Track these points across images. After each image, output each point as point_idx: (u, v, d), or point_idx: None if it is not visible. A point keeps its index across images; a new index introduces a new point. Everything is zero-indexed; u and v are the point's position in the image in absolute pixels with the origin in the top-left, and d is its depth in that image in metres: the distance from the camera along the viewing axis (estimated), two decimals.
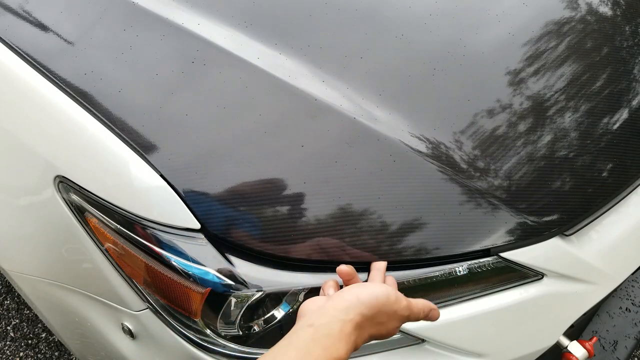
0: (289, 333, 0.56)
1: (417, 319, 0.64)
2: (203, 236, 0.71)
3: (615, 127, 0.93)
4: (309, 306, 0.60)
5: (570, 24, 1.03)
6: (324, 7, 0.96)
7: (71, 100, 0.79)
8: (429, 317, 0.65)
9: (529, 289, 0.79)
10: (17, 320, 1.53)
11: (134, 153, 0.74)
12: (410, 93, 0.88)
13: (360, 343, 0.58)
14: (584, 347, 0.84)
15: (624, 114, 0.95)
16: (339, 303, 0.58)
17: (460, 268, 0.76)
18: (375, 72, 0.89)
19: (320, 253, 0.72)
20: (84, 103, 0.79)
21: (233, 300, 0.71)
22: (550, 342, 0.82)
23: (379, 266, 0.71)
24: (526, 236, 0.79)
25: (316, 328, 0.54)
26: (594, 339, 0.87)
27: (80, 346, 0.97)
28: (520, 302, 0.79)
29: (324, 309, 0.57)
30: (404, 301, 0.61)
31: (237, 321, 0.73)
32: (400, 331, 0.75)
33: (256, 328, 0.74)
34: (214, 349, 0.75)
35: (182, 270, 0.71)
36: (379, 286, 0.61)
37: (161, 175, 0.73)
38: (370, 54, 0.91)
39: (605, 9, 1.08)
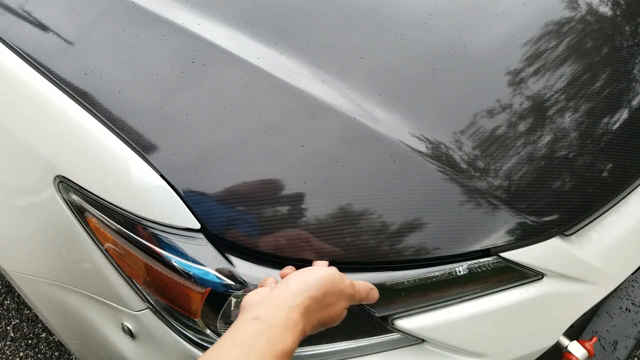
0: (231, 327, 0.54)
1: (360, 299, 0.65)
2: (203, 236, 0.71)
3: (615, 127, 0.93)
4: (252, 298, 0.58)
5: (570, 24, 1.03)
6: (324, 7, 0.96)
7: (71, 100, 0.79)
8: (370, 296, 0.66)
9: (529, 289, 0.79)
10: (17, 320, 1.53)
11: (134, 153, 0.74)
12: (410, 93, 0.88)
13: (309, 330, 0.57)
14: (584, 347, 0.84)
15: (624, 114, 0.95)
16: (285, 290, 0.57)
17: (460, 268, 0.76)
18: (375, 72, 0.89)
19: (319, 253, 0.72)
20: (84, 103, 0.79)
21: (233, 300, 0.71)
22: (550, 342, 0.82)
23: (321, 263, 0.71)
24: (526, 236, 0.79)
25: (261, 320, 0.53)
26: (594, 339, 0.87)
27: (80, 346, 0.97)
28: (520, 302, 0.79)
29: (269, 299, 0.56)
30: (347, 280, 0.62)
31: None
32: (400, 331, 0.75)
33: None
34: None
35: (182, 270, 0.71)
36: (322, 268, 0.62)
37: (161, 175, 0.73)
38: (370, 54, 0.91)
39: (605, 9, 1.08)
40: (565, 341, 0.84)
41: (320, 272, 0.60)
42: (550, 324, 0.82)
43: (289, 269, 0.66)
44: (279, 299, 0.56)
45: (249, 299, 0.58)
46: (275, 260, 0.72)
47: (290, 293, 0.56)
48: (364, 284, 0.66)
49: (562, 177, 0.86)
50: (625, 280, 0.89)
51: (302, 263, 0.72)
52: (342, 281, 0.61)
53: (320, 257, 0.72)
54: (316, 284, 0.58)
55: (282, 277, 0.65)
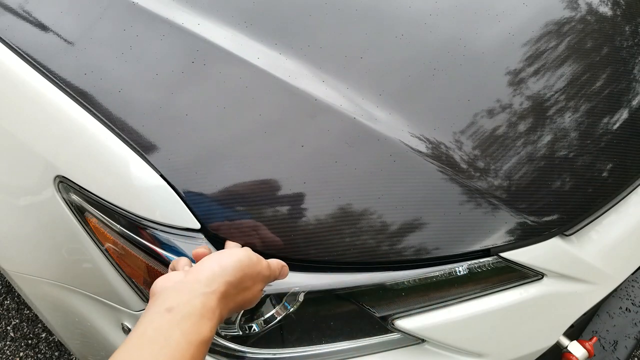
0: (143, 319, 0.50)
1: (275, 278, 0.64)
2: (203, 236, 0.71)
3: (615, 127, 0.93)
4: (164, 284, 0.54)
5: (570, 24, 1.03)
6: (324, 7, 0.96)
7: (71, 100, 0.79)
8: (282, 273, 0.65)
9: (529, 289, 0.79)
10: (17, 320, 1.53)
11: (134, 153, 0.74)
12: (410, 93, 0.88)
13: (226, 314, 0.55)
14: (584, 347, 0.84)
15: (624, 114, 0.95)
16: (200, 274, 0.54)
17: (460, 268, 0.76)
18: (375, 72, 0.89)
19: (319, 253, 0.72)
20: (84, 103, 0.79)
21: None
22: (550, 342, 0.82)
23: (233, 244, 0.68)
24: (526, 236, 0.79)
25: (175, 311, 0.49)
26: (594, 339, 0.87)
27: (80, 346, 0.97)
28: (520, 302, 0.79)
29: (182, 285, 0.53)
30: (264, 261, 0.61)
31: (238, 321, 0.73)
32: (400, 331, 0.75)
33: (256, 328, 0.74)
34: (214, 349, 0.75)
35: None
36: (238, 250, 0.59)
37: (161, 175, 0.73)
38: (370, 53, 0.91)
39: (605, 9, 1.08)
40: (565, 341, 0.84)
41: (237, 255, 0.57)
42: (550, 324, 0.82)
43: (202, 248, 0.63)
44: (193, 284, 0.52)
45: (160, 283, 0.54)
46: None
47: (206, 277, 0.53)
48: (276, 261, 0.64)
49: (562, 177, 0.86)
50: (625, 280, 0.89)
51: (301, 263, 0.72)
52: (259, 263, 0.59)
53: (320, 257, 0.72)
54: (232, 268, 0.55)
55: (196, 257, 0.61)
